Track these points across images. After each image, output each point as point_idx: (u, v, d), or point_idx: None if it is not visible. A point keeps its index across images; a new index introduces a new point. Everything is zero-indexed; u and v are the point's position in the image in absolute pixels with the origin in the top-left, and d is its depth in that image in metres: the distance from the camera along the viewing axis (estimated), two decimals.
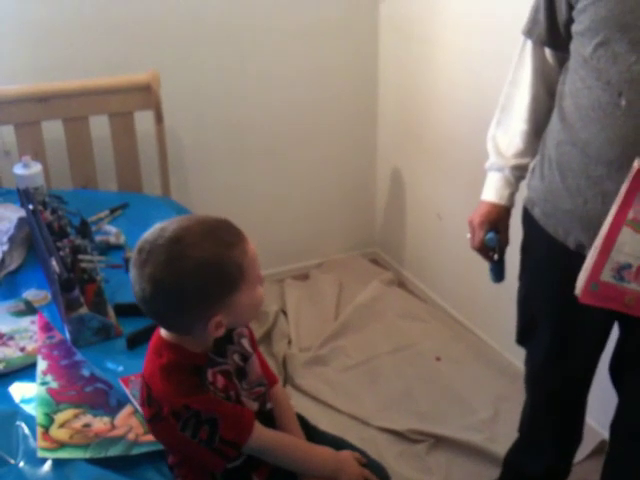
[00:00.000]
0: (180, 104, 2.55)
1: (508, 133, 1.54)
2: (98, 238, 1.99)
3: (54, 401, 1.45)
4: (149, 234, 1.13)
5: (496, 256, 1.60)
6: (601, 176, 1.28)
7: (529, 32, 1.45)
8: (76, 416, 1.41)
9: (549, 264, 1.50)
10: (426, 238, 2.89)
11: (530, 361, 1.71)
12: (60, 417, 1.41)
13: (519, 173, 1.55)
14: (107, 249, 1.97)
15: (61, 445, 1.34)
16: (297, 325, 2.68)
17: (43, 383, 1.50)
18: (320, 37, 2.76)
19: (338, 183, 3.07)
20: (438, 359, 2.54)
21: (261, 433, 1.23)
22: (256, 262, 1.16)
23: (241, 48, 2.65)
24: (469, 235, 1.61)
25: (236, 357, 1.27)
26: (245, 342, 1.31)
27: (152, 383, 1.19)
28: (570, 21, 1.32)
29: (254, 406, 1.27)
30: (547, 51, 1.45)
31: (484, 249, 1.59)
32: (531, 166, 1.53)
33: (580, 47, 1.30)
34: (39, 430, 1.36)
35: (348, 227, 3.19)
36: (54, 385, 1.49)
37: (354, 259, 3.17)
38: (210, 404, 1.17)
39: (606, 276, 1.26)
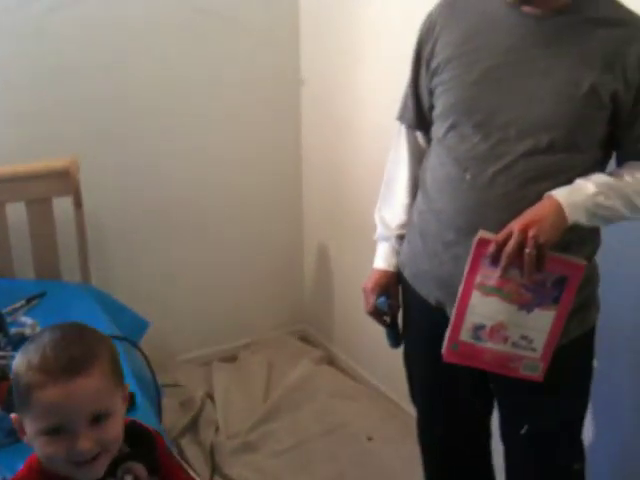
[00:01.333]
0: (101, 186, 2.51)
1: (392, 207, 1.66)
2: (13, 330, 1.91)
3: None
4: None
5: (388, 319, 1.68)
6: (452, 241, 1.43)
7: (401, 117, 1.61)
8: None
9: (419, 322, 1.62)
10: (353, 314, 2.88)
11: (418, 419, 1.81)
12: None
13: (402, 241, 1.65)
14: (22, 342, 1.89)
15: None
16: (225, 410, 2.60)
17: None
18: (244, 117, 2.80)
19: (265, 260, 3.06)
20: (370, 439, 2.51)
21: None
22: (48, 412, 1.03)
23: (163, 128, 2.65)
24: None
25: None
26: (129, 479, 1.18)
27: None
28: (432, 107, 1.50)
29: None
30: (418, 133, 1.60)
31: (377, 313, 1.67)
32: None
33: (436, 128, 1.48)
34: None
35: (276, 304, 3.16)
36: None
37: (283, 337, 3.14)
38: None
39: (465, 336, 1.39)
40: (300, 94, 2.89)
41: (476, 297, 1.34)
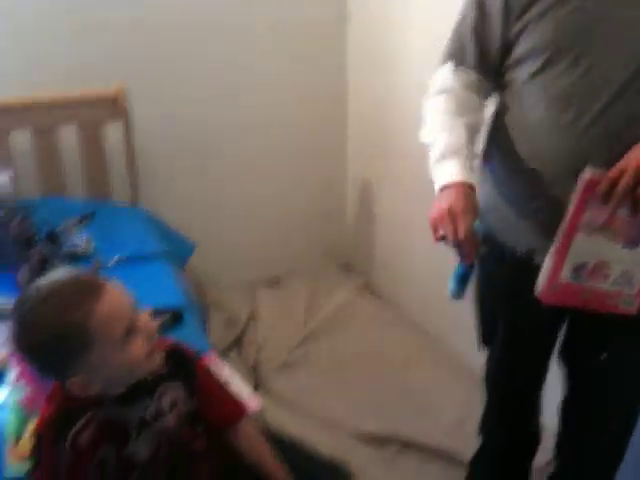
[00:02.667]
0: (151, 112, 2.55)
1: (449, 122, 1.43)
2: (66, 247, 1.99)
3: (25, 410, 1.43)
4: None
5: (482, 248, 1.36)
6: (551, 185, 1.34)
7: (457, 59, 1.45)
8: None
9: (501, 269, 1.54)
10: (396, 246, 2.92)
11: (489, 360, 1.77)
12: (31, 427, 1.38)
13: (470, 163, 1.40)
14: (75, 259, 1.97)
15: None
16: (267, 331, 2.69)
17: (14, 391, 1.49)
18: (291, 52, 2.79)
19: (310, 191, 3.09)
20: (407, 365, 2.57)
21: None
22: (112, 320, 1.09)
23: (213, 60, 2.67)
24: (442, 232, 1.33)
25: (149, 411, 1.19)
26: (166, 401, 1.22)
27: None
28: (504, 50, 1.37)
29: (146, 451, 1.21)
30: (473, 75, 1.44)
31: (472, 239, 1.31)
32: (480, 175, 1.53)
33: (523, 69, 1.35)
34: (9, 443, 1.35)
35: (320, 234, 3.21)
36: (25, 393, 1.48)
37: (324, 266, 3.19)
38: None
39: (565, 277, 1.34)
40: (346, 31, 2.86)
41: (580, 237, 1.30)
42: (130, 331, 1.10)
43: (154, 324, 1.16)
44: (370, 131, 2.93)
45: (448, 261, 1.48)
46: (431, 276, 2.59)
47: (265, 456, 1.32)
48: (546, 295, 1.37)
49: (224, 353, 2.53)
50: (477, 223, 1.33)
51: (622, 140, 1.26)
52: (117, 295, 1.11)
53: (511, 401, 1.78)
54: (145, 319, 1.14)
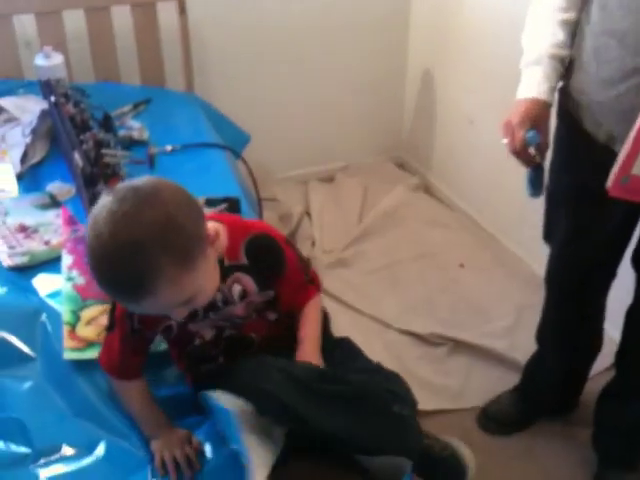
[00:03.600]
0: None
1: (546, 24, 1.43)
2: (121, 133, 1.96)
3: (80, 297, 1.44)
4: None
5: (538, 158, 1.46)
6: (637, 68, 1.25)
7: None
8: (103, 313, 1.39)
9: (577, 155, 1.48)
10: (455, 143, 2.82)
11: (551, 255, 1.70)
12: (86, 314, 1.40)
13: (558, 66, 1.44)
14: (130, 144, 1.94)
15: (88, 344, 1.34)
16: (321, 227, 2.66)
17: (69, 279, 1.49)
18: None
19: (366, 85, 2.97)
20: (462, 266, 2.52)
21: (121, 384, 1.26)
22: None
23: None
24: (505, 140, 1.48)
25: (218, 296, 1.18)
26: (236, 290, 1.19)
27: None
28: None
29: (209, 333, 1.24)
30: None
31: (525, 151, 1.44)
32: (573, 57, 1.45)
33: None
34: (65, 329, 1.36)
35: (375, 130, 3.11)
36: (80, 281, 1.48)
37: (380, 163, 3.11)
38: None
39: (637, 169, 1.25)
40: None
41: None
42: None
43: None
44: (433, 19, 2.77)
45: (512, 157, 1.47)
46: (493, 173, 2.51)
47: (309, 337, 1.28)
48: (614, 187, 1.28)
49: None
50: (531, 133, 1.41)
51: None
52: None
53: (571, 305, 1.72)
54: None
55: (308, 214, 2.74)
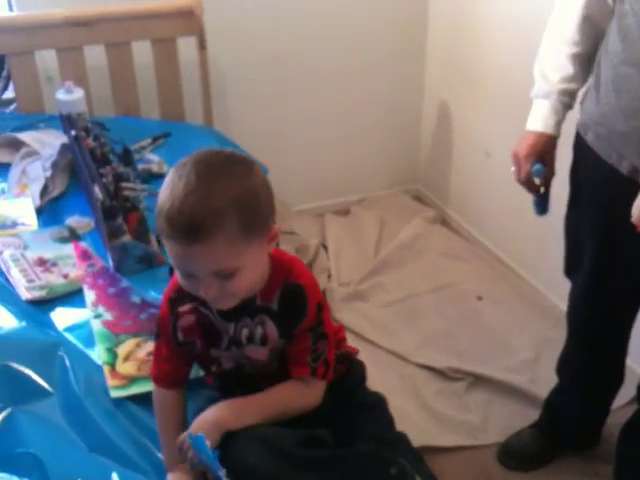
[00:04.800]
0: (223, 33, 2.47)
1: (557, 57, 1.46)
2: (140, 166, 1.98)
3: (112, 334, 1.44)
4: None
5: (542, 189, 1.56)
6: None
7: None
8: (138, 346, 1.40)
9: (600, 189, 1.46)
10: (472, 175, 2.81)
11: (573, 291, 1.68)
12: (122, 350, 1.40)
13: (567, 100, 1.47)
14: (149, 178, 1.96)
15: (131, 380, 1.34)
16: (337, 260, 2.65)
17: (97, 316, 1.49)
18: None
19: (383, 117, 2.98)
20: (480, 299, 2.50)
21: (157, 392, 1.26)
22: (174, 259, 1.08)
23: None
24: (513, 168, 1.56)
25: (244, 332, 1.18)
26: (258, 332, 1.18)
27: None
28: None
29: (228, 364, 1.23)
30: None
31: (531, 182, 1.54)
32: (583, 90, 1.47)
33: None
34: (106, 368, 1.36)
35: (391, 163, 3.11)
36: (108, 317, 1.48)
37: (396, 196, 3.11)
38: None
39: None
40: None
41: None
42: None
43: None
44: (450, 51, 2.79)
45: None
46: (511, 205, 2.50)
47: (239, 404, 1.18)
48: None
49: None
50: (537, 167, 1.50)
51: None
52: None
53: (594, 340, 1.69)
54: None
55: (324, 247, 2.73)
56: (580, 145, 1.47)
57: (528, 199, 1.62)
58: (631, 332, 1.68)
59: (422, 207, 3.07)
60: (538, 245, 2.42)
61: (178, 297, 1.20)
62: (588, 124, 1.43)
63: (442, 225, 2.95)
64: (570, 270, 1.65)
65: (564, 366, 1.80)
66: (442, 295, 2.52)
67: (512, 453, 1.91)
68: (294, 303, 1.17)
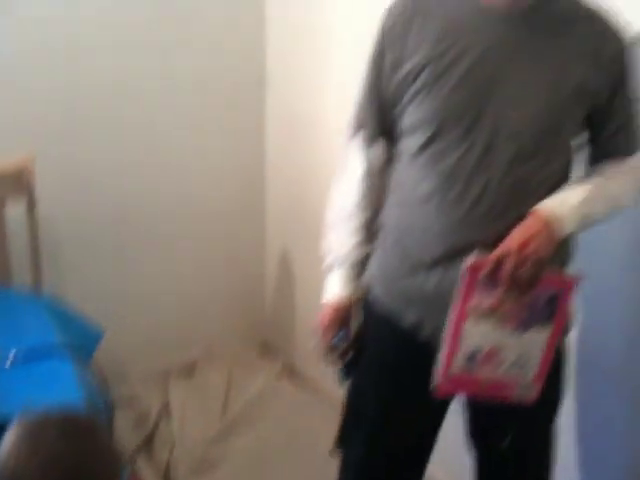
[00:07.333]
0: (56, 190, 2.39)
1: (345, 229, 1.51)
2: None
3: None
4: None
5: (350, 353, 1.54)
6: (440, 258, 1.33)
7: (360, 125, 1.47)
8: None
9: (385, 345, 1.49)
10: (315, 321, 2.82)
11: (347, 462, 1.65)
12: None
13: (359, 264, 1.51)
14: None
15: None
16: (182, 426, 2.49)
17: None
18: (204, 119, 2.71)
19: (225, 268, 2.96)
20: (332, 452, 2.43)
21: None
22: None
23: (118, 134, 2.54)
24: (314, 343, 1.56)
25: None
26: None
27: None
28: (397, 114, 1.37)
29: None
30: (378, 144, 1.46)
31: (334, 352, 1.55)
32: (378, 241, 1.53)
33: (410, 141, 1.35)
34: None
35: (236, 313, 3.06)
36: None
37: (243, 348, 3.04)
38: None
39: (458, 366, 1.31)
40: (265, 95, 2.81)
41: (469, 323, 1.28)
42: None
43: None
44: (290, 199, 2.85)
45: None
46: None
47: None
48: (442, 386, 1.33)
49: (132, 457, 2.31)
50: (340, 335, 1.51)
51: (505, 215, 1.28)
52: None
53: None
54: None
55: (168, 412, 2.56)
56: (367, 305, 1.50)
57: None
58: None
59: (269, 358, 3.01)
60: None
61: None
62: (373, 282, 1.48)
63: (290, 377, 2.90)
64: (346, 438, 1.62)
65: None
66: (295, 452, 2.42)
67: None
68: None
